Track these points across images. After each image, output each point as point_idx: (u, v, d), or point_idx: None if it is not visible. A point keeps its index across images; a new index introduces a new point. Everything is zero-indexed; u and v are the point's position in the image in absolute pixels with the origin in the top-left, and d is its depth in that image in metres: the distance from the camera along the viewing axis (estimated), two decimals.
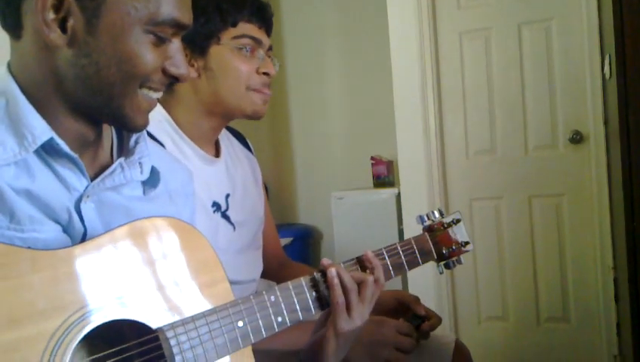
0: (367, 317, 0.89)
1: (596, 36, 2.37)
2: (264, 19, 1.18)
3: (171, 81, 0.76)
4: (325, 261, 0.89)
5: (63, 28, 0.69)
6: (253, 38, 1.15)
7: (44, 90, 0.72)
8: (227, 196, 1.21)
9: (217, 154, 1.23)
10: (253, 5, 1.16)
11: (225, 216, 1.20)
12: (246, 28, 1.15)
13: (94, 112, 0.74)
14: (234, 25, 1.14)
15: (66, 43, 0.69)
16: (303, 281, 0.85)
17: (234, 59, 1.14)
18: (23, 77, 0.72)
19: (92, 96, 0.72)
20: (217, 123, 1.20)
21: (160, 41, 0.73)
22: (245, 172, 1.31)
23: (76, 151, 0.73)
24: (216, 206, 1.18)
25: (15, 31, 0.72)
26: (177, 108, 1.16)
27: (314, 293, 0.85)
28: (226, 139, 1.30)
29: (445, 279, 2.67)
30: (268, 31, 1.20)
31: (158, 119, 1.12)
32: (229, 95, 1.14)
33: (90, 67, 0.70)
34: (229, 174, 1.24)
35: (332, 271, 0.87)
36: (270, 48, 1.20)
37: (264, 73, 1.16)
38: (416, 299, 1.19)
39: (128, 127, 0.77)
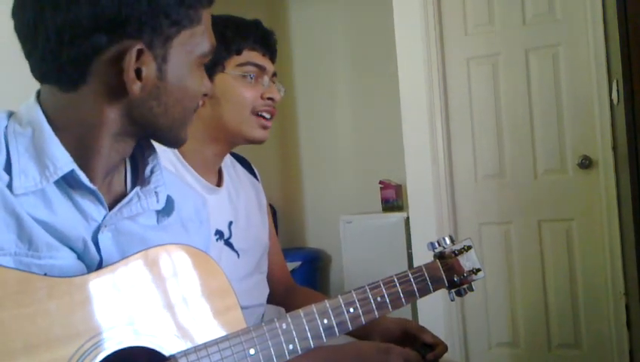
0: None
1: (603, 62, 2.39)
2: (268, 46, 1.20)
3: None
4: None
5: (139, 77, 0.72)
6: (257, 65, 1.17)
7: (91, 128, 0.73)
8: (230, 224, 1.22)
9: (219, 183, 1.24)
10: (257, 33, 1.18)
11: (228, 243, 1.20)
12: (250, 55, 1.17)
13: (146, 137, 0.80)
14: (238, 53, 1.16)
15: (140, 89, 0.72)
16: (315, 308, 0.85)
17: (238, 86, 1.16)
18: (55, 112, 0.74)
19: (153, 130, 0.77)
20: (220, 149, 1.21)
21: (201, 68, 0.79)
22: (249, 198, 1.31)
23: (96, 180, 0.75)
24: (219, 234, 1.18)
25: (71, 84, 0.72)
26: None
27: (325, 321, 0.86)
28: (229, 164, 1.31)
29: (455, 305, 2.65)
30: (272, 58, 1.22)
31: (163, 148, 1.13)
32: (231, 119, 1.16)
33: (159, 108, 0.74)
34: (232, 202, 1.25)
35: None
36: (275, 75, 1.22)
37: (269, 98, 1.18)
38: (422, 328, 1.18)
39: (176, 144, 0.82)
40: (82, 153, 0.74)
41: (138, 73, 0.71)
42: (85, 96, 0.72)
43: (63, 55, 0.70)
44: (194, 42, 0.75)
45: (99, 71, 0.71)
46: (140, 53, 0.71)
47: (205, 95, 0.81)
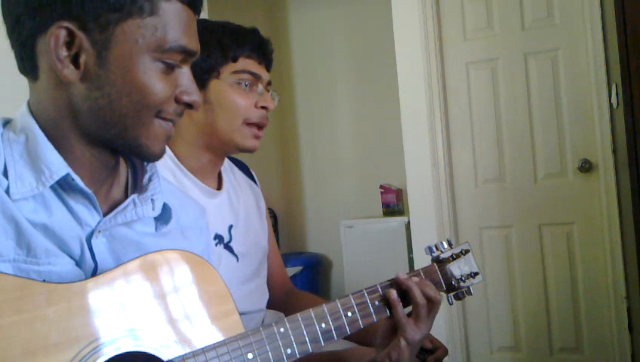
0: (430, 327, 0.96)
1: (602, 66, 2.39)
2: (264, 55, 1.20)
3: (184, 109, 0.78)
4: (402, 275, 0.96)
5: (76, 63, 0.71)
6: (252, 73, 1.17)
7: (61, 126, 0.74)
8: (230, 227, 1.22)
9: (219, 186, 1.24)
10: (254, 41, 1.18)
11: (228, 247, 1.20)
12: (246, 63, 1.17)
13: (111, 144, 0.76)
14: (234, 60, 1.16)
15: (79, 78, 0.71)
16: (313, 313, 0.85)
17: (232, 94, 1.15)
18: (41, 115, 0.75)
19: (106, 128, 0.73)
20: (215, 157, 1.21)
21: (169, 69, 0.74)
22: (249, 202, 1.31)
23: (91, 186, 0.75)
24: (218, 238, 1.18)
25: (32, 72, 0.74)
26: (178, 142, 1.18)
27: (323, 325, 0.86)
28: (228, 169, 1.31)
29: (456, 309, 2.65)
30: (268, 66, 1.22)
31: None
32: (224, 127, 1.16)
33: (103, 99, 0.71)
34: (232, 205, 1.25)
35: (413, 286, 0.94)
36: (269, 83, 1.22)
37: (262, 107, 1.18)
38: None
39: (145, 156, 0.77)
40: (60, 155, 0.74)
41: (76, 58, 0.71)
42: (43, 84, 0.73)
43: (13, 41, 0.73)
44: (144, 33, 0.71)
45: (43, 56, 0.72)
46: (71, 35, 0.70)
47: (189, 105, 0.77)
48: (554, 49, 2.53)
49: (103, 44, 0.71)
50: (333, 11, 3.58)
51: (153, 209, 0.81)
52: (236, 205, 1.26)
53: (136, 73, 0.72)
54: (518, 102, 2.59)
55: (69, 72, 0.70)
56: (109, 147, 0.77)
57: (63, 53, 0.70)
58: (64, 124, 0.74)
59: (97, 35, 0.70)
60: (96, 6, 0.70)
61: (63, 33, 0.70)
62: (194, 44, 0.76)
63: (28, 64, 0.74)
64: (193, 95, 0.77)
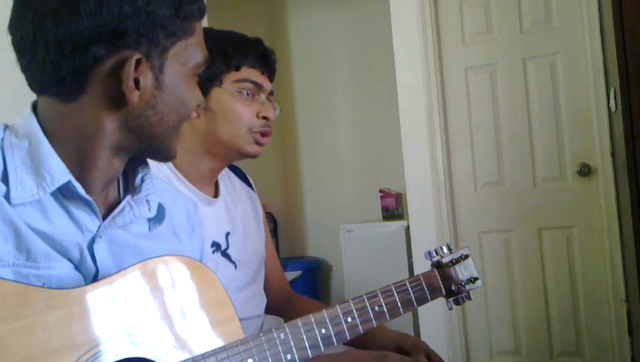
0: None
1: (601, 69, 2.40)
2: (267, 65, 1.21)
3: None
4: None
5: (137, 87, 0.73)
6: (254, 82, 1.18)
7: (94, 143, 0.74)
8: (227, 234, 1.22)
9: (216, 194, 1.24)
10: (257, 51, 1.19)
11: (225, 254, 1.20)
12: (249, 72, 1.17)
13: (142, 151, 0.80)
14: (237, 69, 1.16)
15: (138, 99, 0.74)
16: (313, 318, 0.85)
17: (234, 102, 1.16)
18: (53, 123, 0.74)
19: (149, 140, 0.77)
20: (216, 164, 1.21)
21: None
22: (246, 208, 1.31)
23: (100, 191, 0.76)
24: (215, 246, 1.18)
25: (69, 95, 0.73)
26: (177, 149, 1.18)
27: (323, 331, 0.86)
28: (225, 177, 1.31)
29: (456, 313, 2.65)
30: (271, 76, 1.23)
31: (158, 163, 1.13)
32: (226, 134, 1.16)
33: (155, 116, 0.76)
34: (229, 212, 1.25)
35: None
36: (272, 93, 1.23)
37: (264, 117, 1.19)
38: (417, 346, 1.17)
39: (168, 157, 0.83)
40: (80, 165, 0.75)
41: (136, 83, 0.73)
42: (84, 106, 0.73)
43: (63, 66, 0.71)
44: (188, 53, 0.77)
45: (98, 81, 0.73)
46: (138, 63, 0.72)
47: (198, 106, 0.83)
48: (552, 53, 2.54)
49: (159, 68, 0.75)
50: (332, 16, 3.59)
51: (149, 210, 0.82)
52: (233, 212, 1.26)
53: (184, 91, 0.78)
54: (517, 107, 2.60)
55: (136, 97, 0.73)
56: (134, 153, 0.80)
57: (132, 80, 0.73)
58: (98, 140, 0.74)
59: (155, 60, 0.74)
60: (159, 34, 0.73)
61: (133, 62, 0.72)
62: (207, 53, 0.82)
63: (67, 88, 0.73)
64: (200, 95, 0.83)
